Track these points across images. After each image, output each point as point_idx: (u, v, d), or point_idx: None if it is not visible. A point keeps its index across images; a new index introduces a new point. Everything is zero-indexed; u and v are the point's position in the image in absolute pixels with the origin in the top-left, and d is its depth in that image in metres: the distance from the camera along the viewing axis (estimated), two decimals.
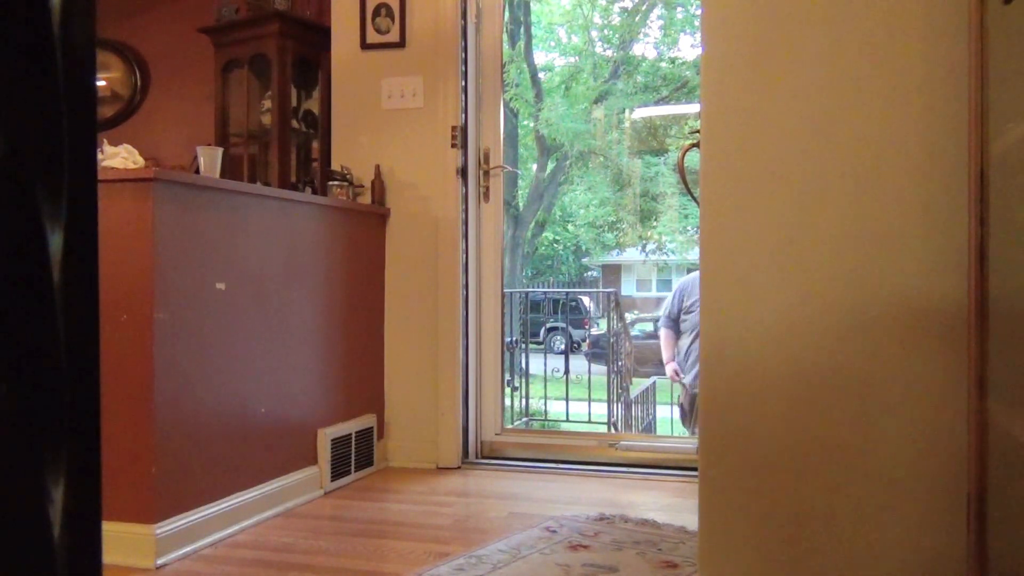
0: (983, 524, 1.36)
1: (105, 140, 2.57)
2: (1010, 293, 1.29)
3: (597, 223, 11.87)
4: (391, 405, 3.52)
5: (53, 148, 0.49)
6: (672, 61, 11.05)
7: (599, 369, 7.40)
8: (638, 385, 7.08)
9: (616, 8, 11.38)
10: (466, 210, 3.53)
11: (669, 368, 5.02)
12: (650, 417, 6.96)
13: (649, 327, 5.24)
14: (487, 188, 3.62)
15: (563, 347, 8.74)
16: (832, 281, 1.57)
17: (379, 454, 3.41)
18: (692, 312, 4.78)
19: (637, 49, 11.22)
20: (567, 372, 6.46)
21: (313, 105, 3.97)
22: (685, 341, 4.81)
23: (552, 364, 6.91)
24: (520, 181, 10.95)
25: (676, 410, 5.92)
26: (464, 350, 3.51)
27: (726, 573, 1.63)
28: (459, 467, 3.45)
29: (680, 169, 2.08)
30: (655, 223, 11.51)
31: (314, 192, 3.73)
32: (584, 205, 11.82)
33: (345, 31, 3.60)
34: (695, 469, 1.73)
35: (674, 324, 4.87)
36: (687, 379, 4.79)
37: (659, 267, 12.27)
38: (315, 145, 3.96)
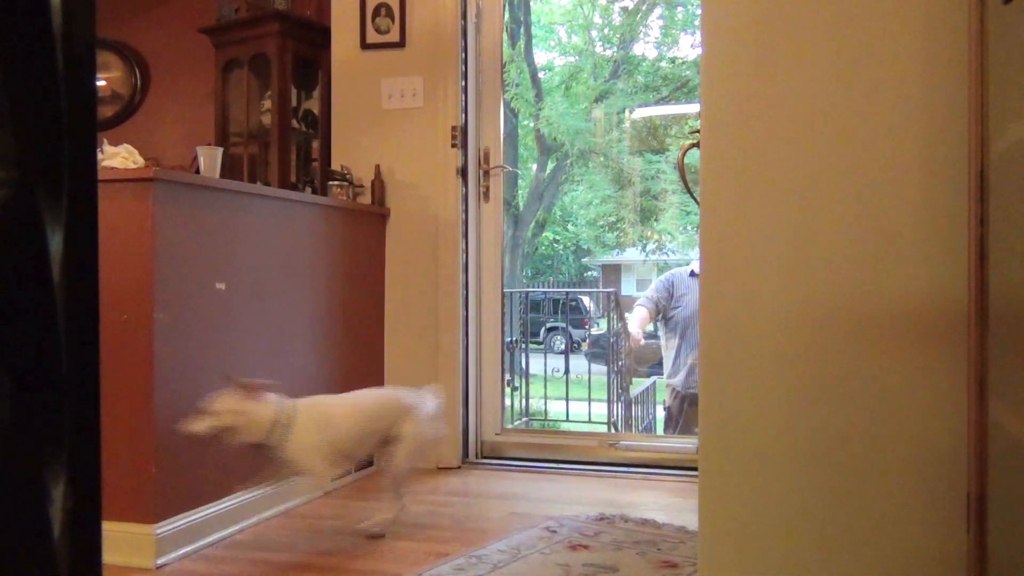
0: (983, 524, 1.36)
1: (105, 140, 2.57)
2: (1010, 293, 1.29)
3: (598, 222, 11.87)
4: None
5: (53, 148, 0.49)
6: (672, 61, 11.05)
7: (599, 369, 7.39)
8: (638, 385, 7.07)
9: (616, 8, 11.38)
10: (466, 210, 3.53)
11: (635, 334, 5.08)
12: (650, 417, 6.95)
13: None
14: (487, 188, 3.62)
15: (563, 347, 8.73)
16: (832, 281, 1.56)
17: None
18: (679, 308, 4.76)
19: (637, 49, 11.22)
20: (567, 372, 6.45)
21: (313, 105, 3.97)
22: (674, 341, 4.79)
23: (552, 364, 6.90)
24: (520, 181, 10.95)
25: (662, 413, 5.94)
26: (464, 350, 3.51)
27: (726, 573, 1.63)
28: (459, 467, 3.44)
29: (680, 169, 2.07)
30: (656, 221, 11.51)
31: (314, 192, 3.73)
32: (585, 204, 11.81)
33: (345, 31, 3.60)
34: (695, 469, 1.73)
35: (654, 307, 4.86)
36: (677, 380, 4.78)
37: (659, 267, 12.26)
38: (315, 145, 3.96)
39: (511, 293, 7.40)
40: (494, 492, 3.12)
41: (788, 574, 1.58)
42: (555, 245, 12.61)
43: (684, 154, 1.99)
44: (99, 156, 2.40)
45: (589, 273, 13.28)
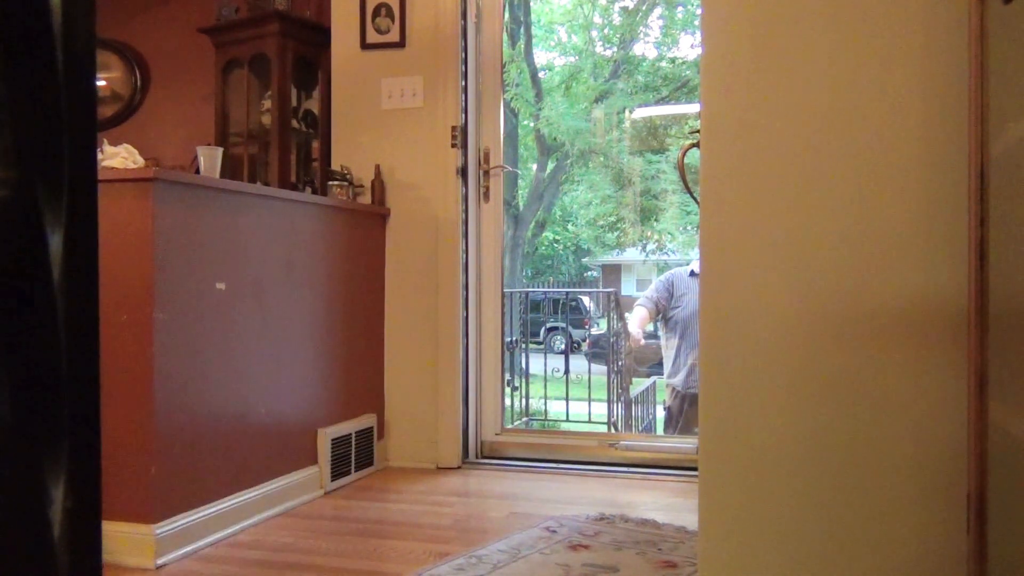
0: (983, 524, 1.36)
1: (105, 140, 2.57)
2: (1010, 293, 1.29)
3: (598, 222, 11.88)
4: (391, 405, 3.52)
5: (53, 147, 0.49)
6: (672, 61, 11.06)
7: (599, 369, 7.40)
8: (638, 385, 7.07)
9: (616, 8, 11.39)
10: (466, 210, 3.53)
11: (635, 335, 5.09)
12: (650, 417, 6.96)
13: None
14: (487, 188, 3.62)
15: (563, 347, 8.74)
16: (832, 281, 1.57)
17: (379, 454, 3.41)
18: (678, 308, 4.77)
19: (637, 49, 11.23)
20: (567, 372, 6.45)
21: (313, 105, 3.97)
22: (674, 341, 4.80)
23: (552, 364, 6.90)
24: (520, 181, 10.96)
25: (662, 413, 5.95)
26: (464, 350, 3.51)
27: (726, 573, 1.63)
28: (459, 467, 3.45)
29: (680, 168, 2.08)
30: (656, 221, 11.52)
31: (314, 192, 3.73)
32: (585, 204, 11.83)
33: (345, 31, 3.60)
34: (695, 469, 1.73)
35: (654, 307, 4.88)
36: (677, 380, 4.79)
37: (659, 267, 12.26)
38: (315, 145, 3.96)
39: (511, 293, 7.40)
40: (494, 492, 3.12)
41: (788, 574, 1.58)
42: (555, 245, 12.62)
43: (684, 154, 1.99)
44: (99, 156, 2.40)
45: (589, 273, 13.29)
